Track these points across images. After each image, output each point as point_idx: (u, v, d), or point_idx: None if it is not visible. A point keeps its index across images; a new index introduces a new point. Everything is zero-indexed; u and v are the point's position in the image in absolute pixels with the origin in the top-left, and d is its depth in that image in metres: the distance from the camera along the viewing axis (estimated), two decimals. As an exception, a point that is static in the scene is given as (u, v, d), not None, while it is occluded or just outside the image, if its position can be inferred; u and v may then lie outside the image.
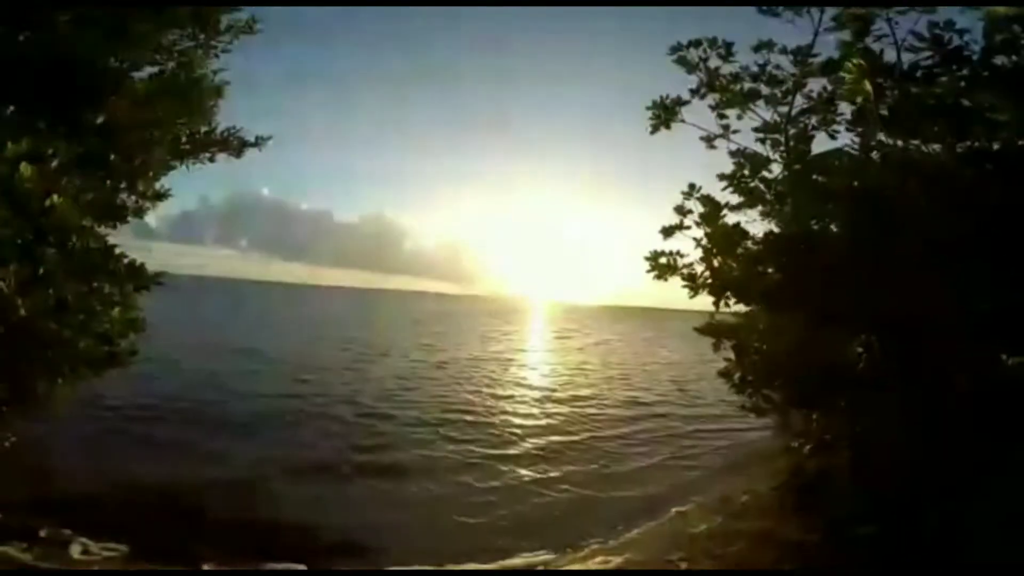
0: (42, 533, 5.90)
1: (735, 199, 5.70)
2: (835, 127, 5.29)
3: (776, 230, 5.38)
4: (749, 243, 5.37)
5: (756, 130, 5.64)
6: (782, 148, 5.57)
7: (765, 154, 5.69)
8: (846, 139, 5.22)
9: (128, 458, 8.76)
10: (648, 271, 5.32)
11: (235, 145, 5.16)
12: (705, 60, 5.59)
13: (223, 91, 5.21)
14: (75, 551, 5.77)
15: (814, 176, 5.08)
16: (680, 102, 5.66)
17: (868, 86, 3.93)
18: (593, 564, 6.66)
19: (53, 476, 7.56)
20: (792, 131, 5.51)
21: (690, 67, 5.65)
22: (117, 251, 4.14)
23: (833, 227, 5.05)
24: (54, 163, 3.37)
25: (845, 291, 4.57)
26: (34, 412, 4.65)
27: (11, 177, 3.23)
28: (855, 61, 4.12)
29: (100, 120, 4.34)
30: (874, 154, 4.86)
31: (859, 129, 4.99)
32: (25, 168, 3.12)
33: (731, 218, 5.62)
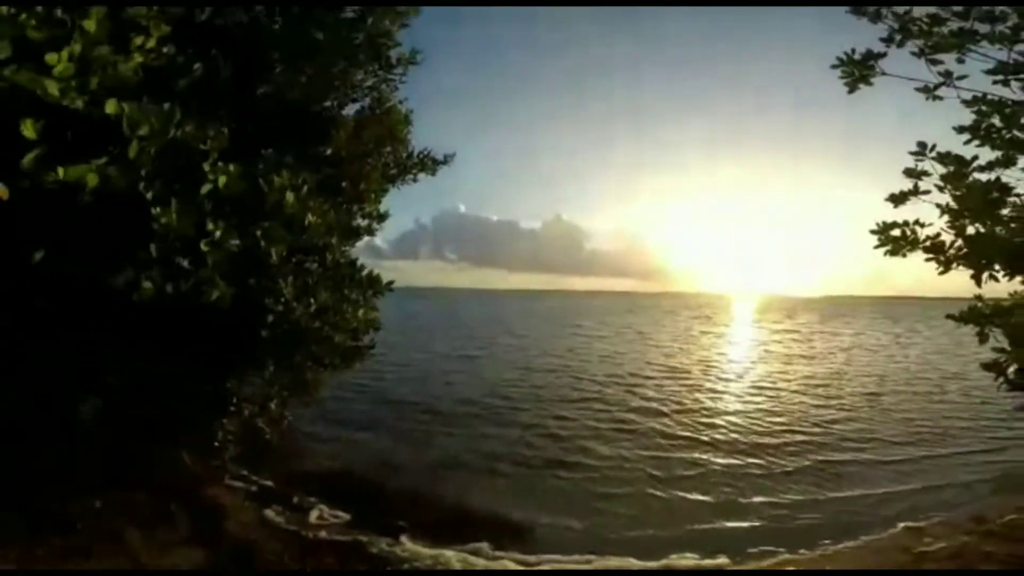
0: (295, 499, 7.35)
1: (985, 154, 4.61)
2: None
3: None
4: (1014, 202, 4.30)
5: (991, 72, 4.52)
6: None
7: (1018, 98, 4.53)
8: None
9: (362, 440, 10.49)
10: (877, 246, 4.53)
11: (430, 165, 5.84)
12: (888, 5, 4.71)
13: (411, 118, 5.92)
14: (313, 516, 7.05)
15: None
16: (874, 55, 4.80)
17: None
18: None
19: (310, 451, 9.35)
20: None
21: (873, 16, 4.82)
22: (359, 263, 4.95)
23: None
24: (304, 190, 4.11)
25: None
26: (304, 398, 5.81)
27: (280, 204, 4.08)
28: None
29: (328, 152, 5.24)
30: None
31: None
32: (289, 195, 3.88)
33: (983, 178, 4.57)
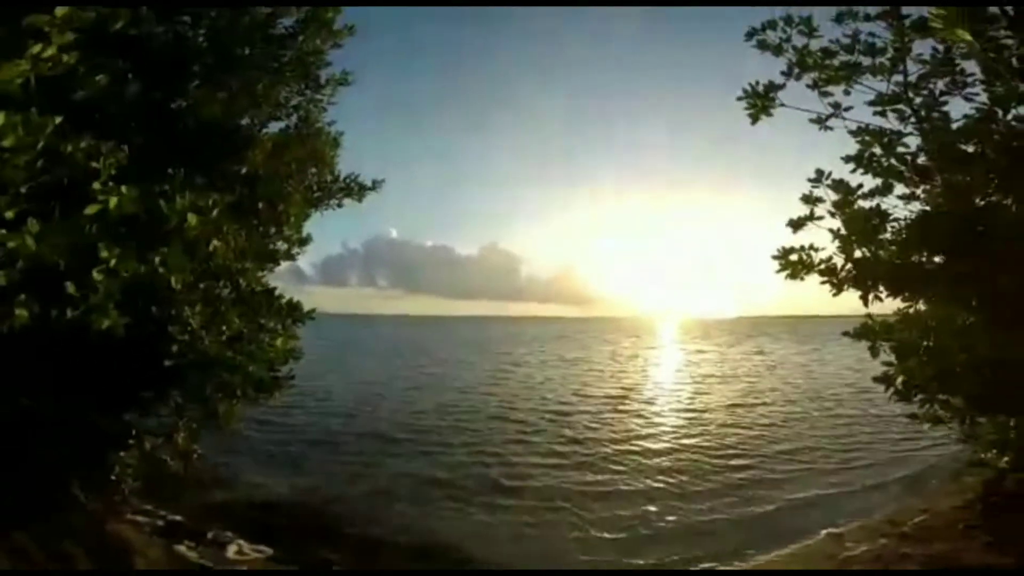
0: (209, 534, 6.90)
1: (869, 182, 5.03)
2: (969, 90, 4.48)
3: (926, 210, 4.64)
4: (893, 227, 4.70)
5: (871, 103, 4.99)
6: (912, 120, 4.87)
7: (894, 128, 5.00)
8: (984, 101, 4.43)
9: (285, 470, 10.00)
10: (778, 271, 4.80)
11: (356, 190, 5.75)
12: (787, 40, 5.12)
13: (340, 141, 5.85)
14: (231, 551, 6.65)
15: (962, 146, 4.35)
16: (774, 87, 5.16)
17: (966, 34, 3.28)
18: None
19: (224, 485, 8.78)
20: (918, 100, 4.79)
21: (774, 49, 5.19)
22: (277, 292, 4.77)
23: (1001, 199, 4.26)
24: (213, 213, 3.94)
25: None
26: (217, 429, 5.47)
27: (181, 226, 3.89)
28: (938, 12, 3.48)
29: (243, 171, 5.07)
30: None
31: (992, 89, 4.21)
32: (192, 218, 3.69)
33: (866, 205, 4.98)
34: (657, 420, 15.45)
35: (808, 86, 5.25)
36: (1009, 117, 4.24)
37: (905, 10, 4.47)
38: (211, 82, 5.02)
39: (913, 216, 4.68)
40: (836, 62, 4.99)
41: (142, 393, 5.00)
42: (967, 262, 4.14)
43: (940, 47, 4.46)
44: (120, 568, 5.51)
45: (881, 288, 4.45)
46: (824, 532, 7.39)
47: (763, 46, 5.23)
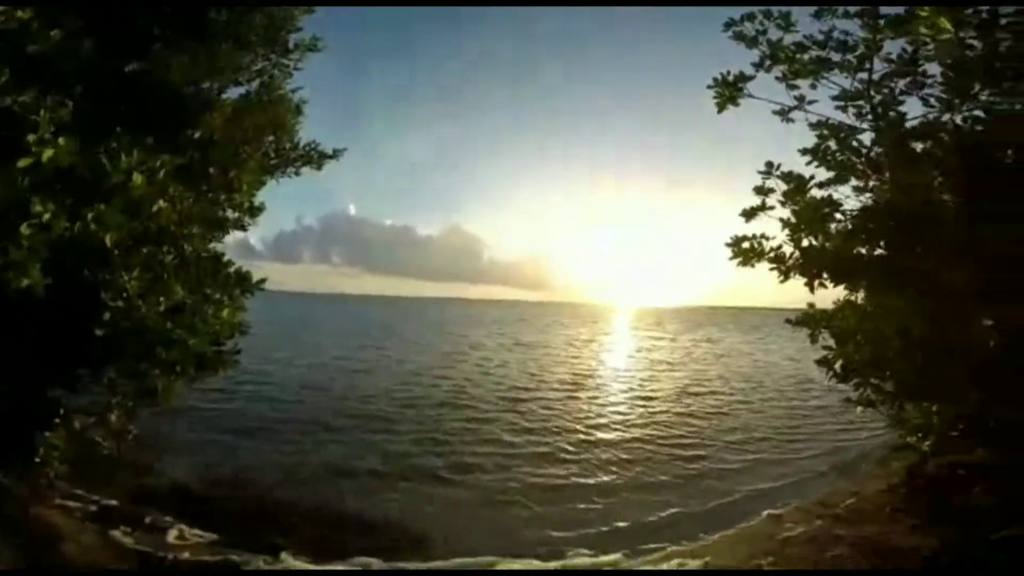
0: (147, 519, 6.56)
1: (822, 174, 5.26)
2: (927, 90, 4.74)
3: (875, 203, 4.90)
4: (841, 217, 4.94)
5: (835, 98, 5.22)
6: (869, 117, 5.12)
7: (851, 123, 5.25)
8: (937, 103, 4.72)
9: (227, 453, 9.54)
10: (731, 258, 4.99)
11: (316, 158, 5.53)
12: (763, 32, 5.28)
13: (303, 109, 5.61)
14: (171, 536, 6.36)
15: (914, 144, 4.62)
16: (744, 77, 5.30)
17: (948, 24, 3.50)
18: (667, 567, 6.40)
19: (162, 468, 8.31)
20: (878, 97, 5.03)
21: (749, 41, 5.33)
22: (225, 259, 4.51)
23: (945, 197, 4.55)
24: (160, 174, 3.73)
25: (968, 264, 4.10)
26: (154, 407, 5.13)
27: (125, 185, 3.66)
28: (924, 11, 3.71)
29: (196, 135, 4.79)
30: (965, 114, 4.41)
31: (949, 91, 4.51)
32: (137, 177, 3.51)
33: (818, 195, 5.21)
34: (611, 408, 15.68)
35: (777, 78, 5.37)
36: (959, 120, 4.52)
37: (883, 10, 4.63)
38: (172, 46, 4.72)
39: (860, 208, 4.94)
40: (807, 56, 5.15)
41: (71, 367, 4.64)
42: (909, 255, 4.41)
43: (908, 48, 4.68)
44: (48, 555, 5.15)
45: (825, 276, 4.71)
46: (765, 513, 7.75)
47: (739, 37, 5.34)
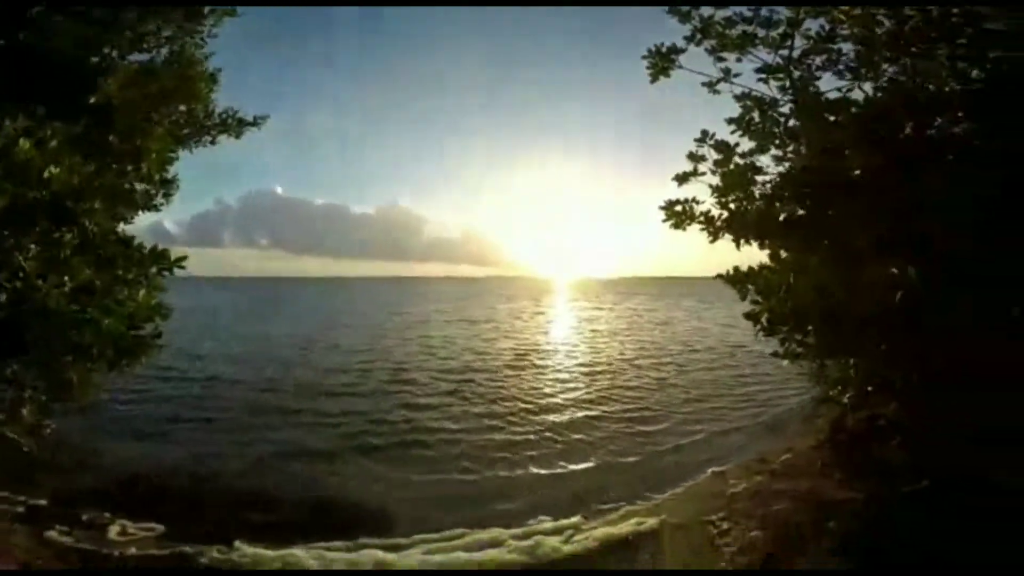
0: (84, 517, 6.18)
1: (747, 144, 5.52)
2: (839, 67, 5.15)
3: (792, 168, 5.18)
4: (762, 181, 5.21)
5: (758, 71, 5.50)
6: (790, 90, 5.43)
7: (772, 96, 5.55)
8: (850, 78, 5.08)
9: (161, 443, 9.14)
10: (664, 220, 5.19)
11: (234, 126, 5.21)
12: (696, 6, 5.50)
13: (217, 77, 5.26)
14: (113, 532, 6.03)
15: (826, 114, 4.91)
16: (676, 50, 5.53)
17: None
18: (626, 527, 6.60)
19: (92, 463, 7.81)
20: (797, 73, 5.38)
21: (682, 16, 5.56)
22: (136, 241, 4.21)
23: (854, 164, 4.85)
24: (53, 143, 3.45)
25: (873, 223, 4.35)
26: (70, 401, 4.77)
27: (8, 151, 3.36)
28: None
29: (92, 100, 4.41)
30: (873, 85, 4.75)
31: (859, 65, 4.80)
32: (23, 142, 3.25)
33: (742, 163, 5.46)
34: (557, 378, 15.99)
35: (707, 51, 5.60)
36: (869, 90, 4.84)
37: None
38: (65, 12, 4.30)
39: (779, 174, 5.19)
40: (734, 32, 5.39)
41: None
42: (823, 216, 4.66)
43: (826, 26, 4.98)
44: None
45: (750, 235, 4.92)
46: (710, 471, 8.13)
47: (674, 12, 5.55)
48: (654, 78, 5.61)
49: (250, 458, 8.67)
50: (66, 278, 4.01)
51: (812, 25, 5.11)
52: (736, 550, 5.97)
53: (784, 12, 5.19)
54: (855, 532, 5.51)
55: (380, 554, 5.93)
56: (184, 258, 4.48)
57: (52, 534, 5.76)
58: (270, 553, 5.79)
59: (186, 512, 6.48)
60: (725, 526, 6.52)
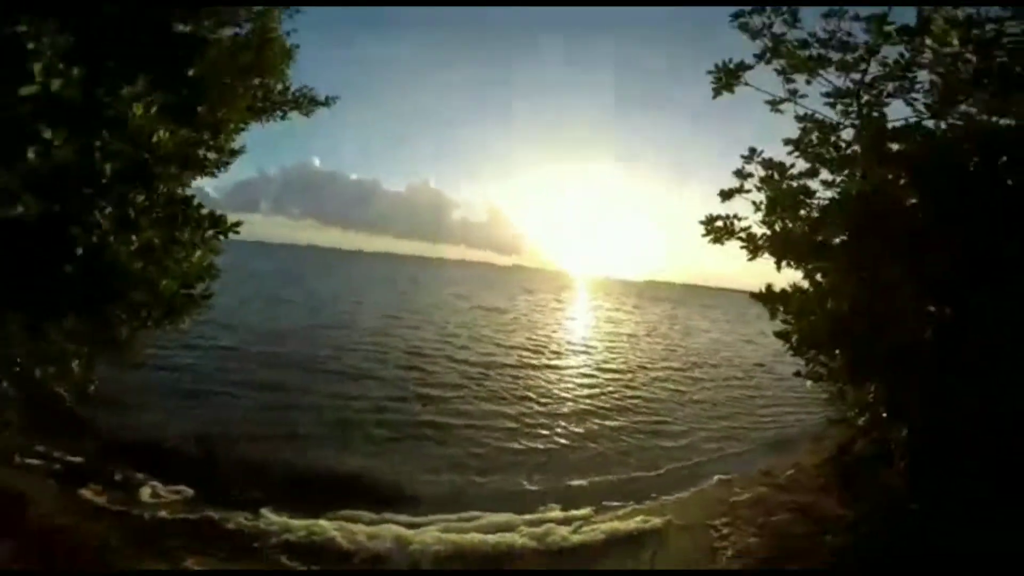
0: (117, 476, 6.33)
1: (800, 165, 5.58)
2: (913, 95, 5.05)
3: (848, 193, 5.24)
4: (812, 204, 5.31)
5: (826, 95, 5.43)
6: (854, 115, 5.39)
7: (835, 120, 5.53)
8: (922, 108, 5.00)
9: (192, 408, 9.26)
10: (704, 235, 5.28)
11: (305, 104, 5.34)
12: (770, 26, 5.46)
13: (294, 53, 5.39)
14: (145, 494, 6.17)
15: (889, 143, 4.94)
16: (744, 66, 5.47)
17: (955, 39, 3.80)
18: (633, 523, 6.86)
19: (125, 423, 7.94)
20: (866, 98, 5.32)
21: (753, 33, 5.51)
22: (194, 200, 4.33)
23: (909, 195, 4.92)
24: (152, 110, 3.58)
25: (920, 258, 4.45)
26: (116, 358, 4.83)
27: (123, 116, 3.49)
28: (942, 17, 4.00)
29: (191, 73, 4.55)
30: (950, 122, 4.72)
31: (937, 98, 4.81)
32: (138, 107, 3.38)
33: (794, 184, 5.54)
34: (579, 377, 16.25)
35: (776, 71, 5.58)
36: (943, 126, 4.83)
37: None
38: None
39: (830, 199, 5.29)
40: (807, 53, 5.36)
41: (27, 308, 4.34)
42: (868, 245, 4.74)
43: (906, 54, 4.91)
44: (13, 516, 4.85)
45: (791, 257, 5.07)
46: (716, 478, 8.41)
47: (744, 28, 5.50)
48: (717, 93, 5.57)
49: (278, 427, 8.83)
50: (133, 237, 4.13)
51: (889, 52, 5.03)
52: (733, 554, 6.25)
53: (863, 37, 5.11)
54: (850, 546, 5.80)
55: (399, 529, 6.14)
56: (239, 223, 4.56)
57: (86, 493, 5.88)
58: (296, 522, 5.94)
59: (213, 476, 6.63)
60: (726, 531, 6.79)
